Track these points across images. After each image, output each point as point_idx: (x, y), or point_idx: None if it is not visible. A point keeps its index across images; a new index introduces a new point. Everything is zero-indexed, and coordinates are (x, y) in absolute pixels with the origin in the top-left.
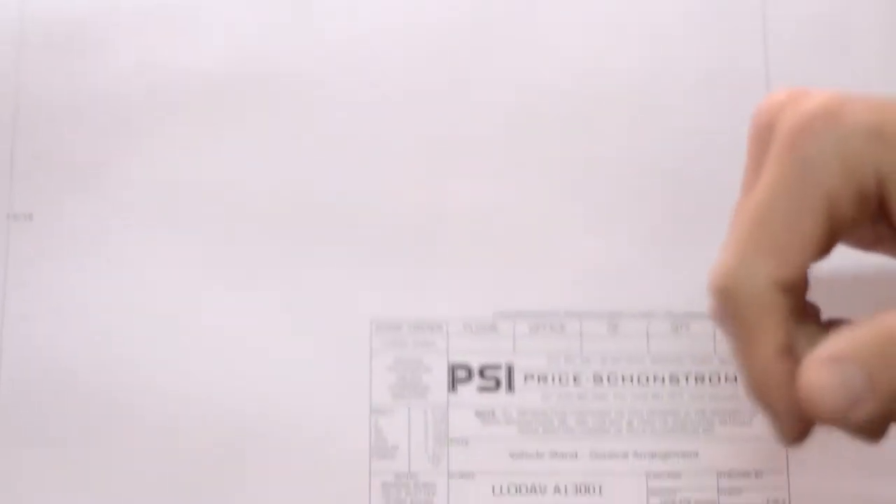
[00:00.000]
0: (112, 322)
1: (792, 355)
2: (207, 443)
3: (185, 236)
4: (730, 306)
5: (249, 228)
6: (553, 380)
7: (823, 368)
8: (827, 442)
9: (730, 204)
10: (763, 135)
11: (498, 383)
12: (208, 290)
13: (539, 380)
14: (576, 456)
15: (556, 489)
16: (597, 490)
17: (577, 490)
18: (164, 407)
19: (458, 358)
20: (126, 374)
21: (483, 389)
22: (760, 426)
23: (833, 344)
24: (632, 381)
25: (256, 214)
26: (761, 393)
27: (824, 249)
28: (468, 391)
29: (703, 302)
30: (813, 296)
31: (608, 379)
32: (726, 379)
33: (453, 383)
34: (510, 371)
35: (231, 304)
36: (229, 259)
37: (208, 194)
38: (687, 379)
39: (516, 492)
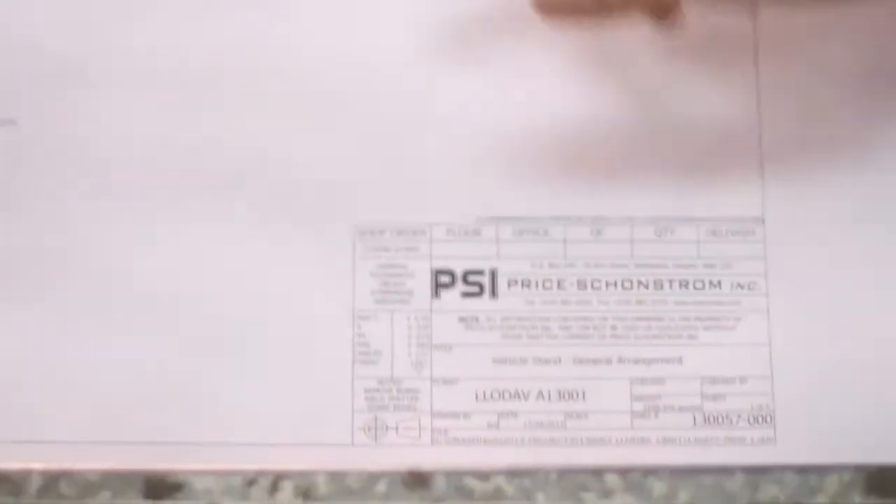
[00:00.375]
0: (97, 236)
1: None
2: (192, 347)
3: (167, 147)
4: None
5: (232, 134)
6: (537, 285)
7: None
8: (810, 347)
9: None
10: None
11: (481, 289)
12: (195, 198)
13: (522, 285)
14: (559, 362)
15: (540, 395)
16: (580, 396)
17: (561, 396)
18: (152, 311)
19: (441, 263)
20: (120, 281)
21: (466, 295)
22: (745, 332)
23: None
24: (616, 286)
25: (239, 119)
26: None
27: None
28: (451, 297)
29: (687, 206)
30: None
31: (592, 284)
32: (711, 284)
33: (437, 289)
34: (494, 276)
35: (215, 210)
36: (211, 166)
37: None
38: (671, 284)
39: (499, 397)
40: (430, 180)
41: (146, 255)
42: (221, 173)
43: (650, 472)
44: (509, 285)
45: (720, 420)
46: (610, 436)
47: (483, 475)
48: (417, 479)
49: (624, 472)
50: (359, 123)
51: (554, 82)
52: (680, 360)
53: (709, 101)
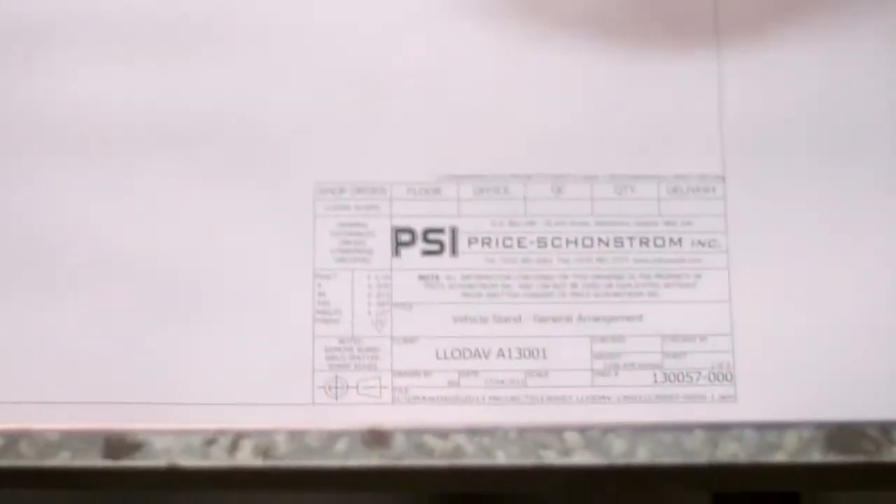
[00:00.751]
0: (52, 195)
1: None
2: (151, 307)
3: (124, 106)
4: None
5: (191, 93)
6: (497, 243)
7: None
8: (770, 304)
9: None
10: None
11: (442, 247)
12: (153, 157)
13: (483, 243)
14: (520, 320)
15: (500, 353)
16: (541, 354)
17: (521, 354)
18: (112, 271)
19: (401, 222)
20: (78, 241)
21: (427, 253)
22: (706, 289)
23: None
24: (576, 244)
25: (198, 78)
26: None
27: None
28: (412, 255)
29: (647, 164)
30: None
31: (552, 242)
32: (671, 242)
33: (397, 247)
34: (454, 234)
35: (175, 169)
36: (170, 125)
37: (155, 44)
38: (631, 242)
39: (460, 356)
40: (390, 139)
41: (104, 214)
42: (180, 133)
43: (610, 429)
44: (469, 243)
45: (680, 378)
46: (570, 394)
47: (443, 433)
48: (377, 438)
49: (583, 429)
50: (319, 82)
51: (516, 39)
52: (640, 318)
53: (669, 59)
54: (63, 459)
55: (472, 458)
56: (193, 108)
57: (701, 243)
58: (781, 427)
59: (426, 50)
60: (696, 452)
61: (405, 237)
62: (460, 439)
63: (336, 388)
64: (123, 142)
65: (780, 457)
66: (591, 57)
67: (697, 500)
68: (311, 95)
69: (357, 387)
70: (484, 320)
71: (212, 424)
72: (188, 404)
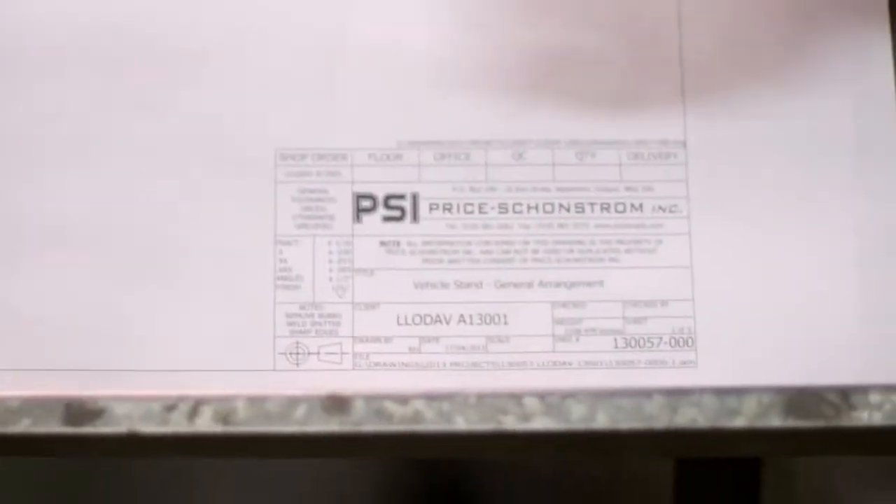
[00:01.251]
0: (15, 164)
1: None
2: (111, 273)
3: (89, 73)
4: None
5: (150, 60)
6: (458, 209)
7: None
8: (731, 269)
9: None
10: None
11: (403, 213)
12: (111, 124)
13: (444, 209)
14: (481, 286)
15: (461, 319)
16: (502, 320)
17: (483, 320)
18: (72, 238)
19: (362, 188)
20: (37, 209)
21: (388, 219)
22: (667, 255)
23: None
24: (537, 210)
25: (159, 45)
26: None
27: None
28: (373, 221)
29: (609, 130)
30: None
31: (513, 208)
32: (632, 208)
33: (358, 213)
34: (415, 200)
35: (134, 136)
36: (133, 92)
37: (115, 27)
38: (592, 208)
39: (421, 322)
40: (351, 105)
41: (63, 182)
42: (143, 101)
43: (569, 395)
44: (431, 209)
45: (642, 343)
46: (531, 359)
47: (402, 399)
48: (336, 404)
49: (543, 395)
50: (279, 48)
51: (474, 5)
52: (601, 284)
53: (630, 24)
54: (24, 426)
55: (431, 423)
56: (154, 77)
57: (662, 209)
58: (741, 392)
59: (387, 15)
60: (656, 417)
61: (366, 203)
62: (419, 405)
63: (297, 354)
64: (86, 112)
65: (739, 422)
66: (549, 23)
67: (661, 468)
68: (272, 63)
69: (318, 353)
70: (445, 286)
71: (172, 391)
72: (149, 371)
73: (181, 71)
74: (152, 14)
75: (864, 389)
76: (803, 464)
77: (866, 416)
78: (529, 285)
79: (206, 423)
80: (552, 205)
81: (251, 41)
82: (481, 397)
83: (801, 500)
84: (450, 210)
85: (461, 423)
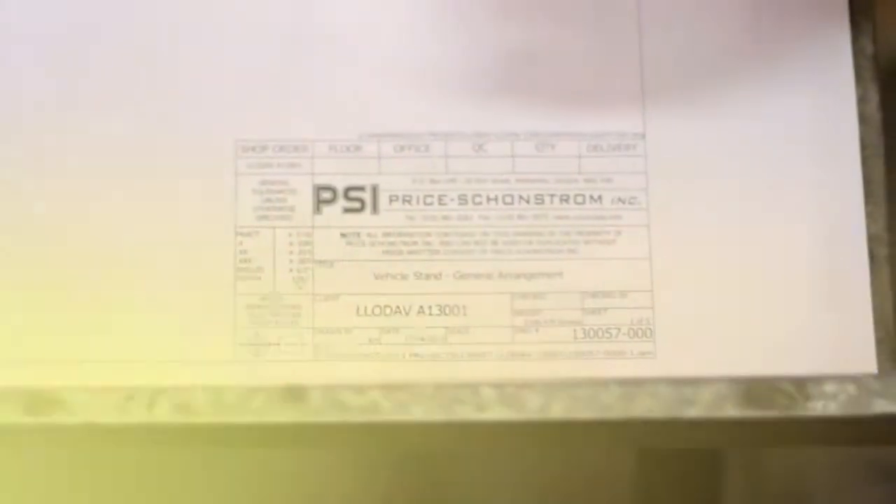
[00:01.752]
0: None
1: None
2: (68, 262)
3: (50, 63)
4: None
5: (111, 51)
6: (418, 200)
7: None
8: (690, 261)
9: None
10: None
11: (363, 204)
12: (73, 116)
13: (404, 201)
14: (440, 277)
15: (421, 310)
16: (461, 311)
17: (442, 311)
18: (30, 226)
19: (323, 179)
20: None
21: (348, 211)
22: (626, 246)
23: None
24: (497, 201)
25: (117, 40)
26: None
27: None
28: (333, 212)
29: (568, 122)
30: None
31: (473, 200)
32: (591, 199)
33: (318, 205)
34: (375, 192)
35: (94, 124)
36: (92, 81)
37: (70, 25)
38: (552, 199)
39: (381, 313)
40: (311, 97)
41: (21, 175)
42: (101, 95)
43: (526, 385)
44: (391, 201)
45: (600, 334)
46: (491, 350)
47: (360, 389)
48: (294, 394)
49: (500, 385)
50: (241, 39)
51: (434, 0)
52: (561, 275)
53: (590, 17)
54: None
55: (388, 413)
56: (116, 67)
57: (621, 200)
58: (697, 382)
59: (348, 7)
60: (611, 408)
61: (326, 195)
62: (376, 395)
63: (257, 345)
64: (46, 102)
65: (694, 411)
66: (508, 17)
67: (622, 460)
68: (234, 54)
69: (279, 344)
70: (405, 277)
71: (131, 381)
72: (107, 361)
73: (140, 65)
74: (108, 9)
75: (819, 380)
76: (767, 457)
77: (821, 406)
78: (489, 276)
79: (164, 414)
80: (512, 196)
81: (211, 32)
82: (439, 388)
83: (765, 487)
84: (409, 202)
85: (418, 414)
